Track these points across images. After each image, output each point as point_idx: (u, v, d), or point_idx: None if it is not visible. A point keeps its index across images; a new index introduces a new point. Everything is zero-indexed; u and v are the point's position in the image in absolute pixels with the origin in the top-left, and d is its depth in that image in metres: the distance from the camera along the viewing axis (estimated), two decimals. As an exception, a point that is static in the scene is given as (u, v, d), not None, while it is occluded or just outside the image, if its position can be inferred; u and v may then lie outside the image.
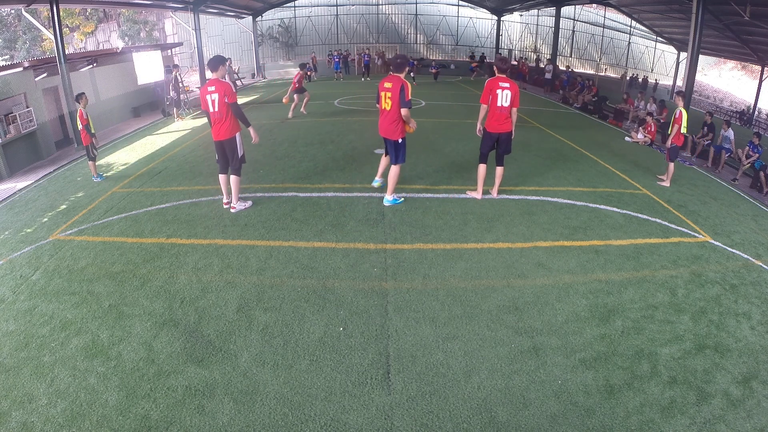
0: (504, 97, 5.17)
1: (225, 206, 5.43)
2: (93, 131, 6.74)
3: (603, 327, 3.44)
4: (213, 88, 4.94)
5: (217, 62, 4.98)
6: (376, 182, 6.02)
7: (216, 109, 4.96)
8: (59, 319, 3.49)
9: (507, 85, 5.17)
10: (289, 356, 3.09)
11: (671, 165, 6.80)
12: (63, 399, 2.74)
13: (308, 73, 17.19)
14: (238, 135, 5.16)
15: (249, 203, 5.48)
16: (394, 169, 5.27)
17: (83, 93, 6.76)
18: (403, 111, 4.86)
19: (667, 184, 6.75)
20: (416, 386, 2.86)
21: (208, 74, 5.30)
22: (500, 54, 22.85)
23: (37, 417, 2.61)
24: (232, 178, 5.25)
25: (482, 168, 5.57)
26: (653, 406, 2.75)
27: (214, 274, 4.07)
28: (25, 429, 2.54)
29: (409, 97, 4.86)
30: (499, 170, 5.62)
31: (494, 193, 5.76)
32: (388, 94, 4.92)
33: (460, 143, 8.43)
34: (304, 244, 4.56)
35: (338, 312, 3.55)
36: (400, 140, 5.09)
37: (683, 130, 6.60)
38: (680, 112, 6.60)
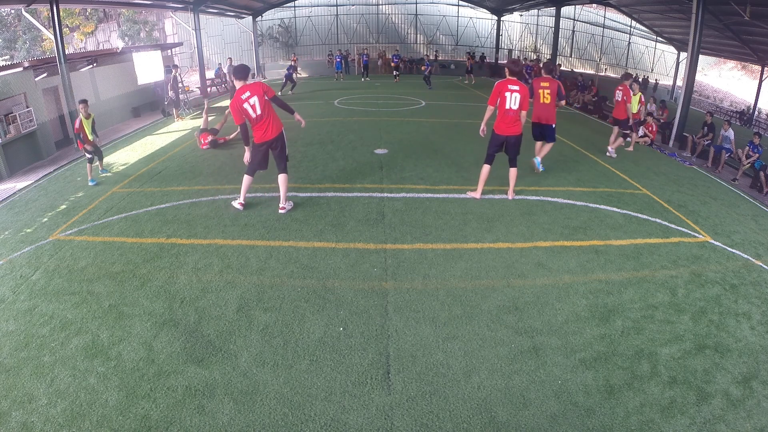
0: (513, 99, 5.17)
1: (239, 207, 5.30)
2: (90, 138, 6.64)
3: (603, 327, 3.44)
4: (249, 93, 4.81)
5: (247, 71, 4.95)
6: (538, 164, 6.79)
7: (259, 112, 4.86)
8: (59, 319, 3.50)
9: (517, 87, 5.17)
10: (289, 356, 3.09)
11: (615, 130, 8.33)
12: (63, 399, 2.74)
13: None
14: (283, 131, 5.09)
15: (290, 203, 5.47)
16: (549, 146, 6.69)
17: (85, 100, 6.67)
18: (562, 102, 6.55)
19: (613, 147, 8.21)
20: (416, 386, 2.86)
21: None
22: (502, 56, 22.85)
23: (37, 417, 2.61)
24: (282, 177, 5.20)
25: (486, 168, 5.55)
26: (653, 406, 2.75)
27: (214, 274, 4.08)
28: (25, 429, 2.54)
29: (565, 91, 6.48)
30: (513, 171, 5.60)
31: (510, 195, 5.73)
32: (547, 91, 6.29)
33: (460, 143, 8.43)
34: (304, 244, 4.56)
35: (338, 312, 3.55)
36: (553, 125, 6.48)
37: (634, 109, 8.37)
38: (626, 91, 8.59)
